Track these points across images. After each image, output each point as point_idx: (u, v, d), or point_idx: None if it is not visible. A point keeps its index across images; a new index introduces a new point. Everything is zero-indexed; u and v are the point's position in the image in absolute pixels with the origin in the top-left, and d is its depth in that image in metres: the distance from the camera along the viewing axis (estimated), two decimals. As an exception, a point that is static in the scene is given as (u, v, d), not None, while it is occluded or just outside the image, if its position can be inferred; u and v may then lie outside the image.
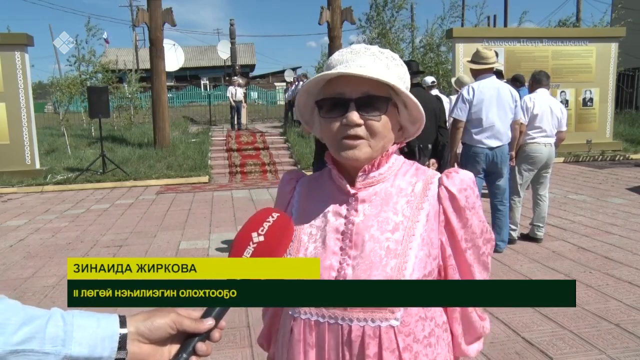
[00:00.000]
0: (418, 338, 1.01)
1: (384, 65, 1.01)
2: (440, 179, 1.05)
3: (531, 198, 5.46)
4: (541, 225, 5.30)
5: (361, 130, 0.98)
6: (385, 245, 1.00)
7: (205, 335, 0.82)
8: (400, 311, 0.98)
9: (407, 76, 1.06)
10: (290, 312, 1.07)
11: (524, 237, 5.35)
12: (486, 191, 5.15)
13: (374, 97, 0.98)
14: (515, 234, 5.24)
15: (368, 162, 1.03)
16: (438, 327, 1.06)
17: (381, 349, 0.97)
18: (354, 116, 0.97)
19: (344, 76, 0.98)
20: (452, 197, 1.02)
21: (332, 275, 1.00)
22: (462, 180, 1.03)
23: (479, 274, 1.09)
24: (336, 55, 1.04)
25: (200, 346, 0.80)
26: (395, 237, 1.00)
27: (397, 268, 0.97)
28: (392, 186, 1.06)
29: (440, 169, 4.61)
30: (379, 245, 1.00)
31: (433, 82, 7.87)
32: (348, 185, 1.05)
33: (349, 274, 0.99)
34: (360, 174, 1.04)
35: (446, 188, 1.03)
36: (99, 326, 0.76)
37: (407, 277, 0.97)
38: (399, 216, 1.02)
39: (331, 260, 1.01)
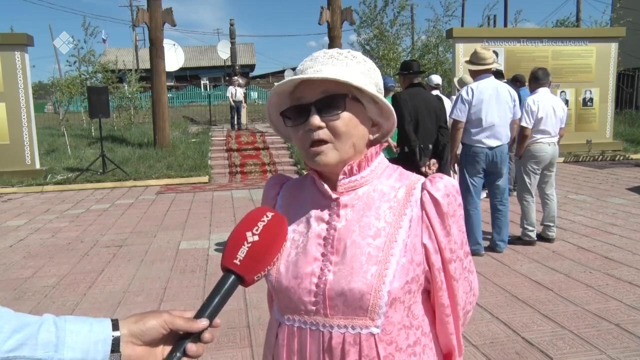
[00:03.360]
0: (401, 347, 0.99)
1: (342, 65, 1.00)
2: (423, 184, 1.03)
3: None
4: (552, 224, 5.28)
5: (324, 134, 0.97)
6: (367, 252, 0.97)
7: (197, 336, 0.81)
8: (380, 319, 0.96)
9: (374, 72, 1.05)
10: (276, 317, 1.07)
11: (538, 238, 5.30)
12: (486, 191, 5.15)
13: (332, 96, 0.97)
14: (533, 234, 5.20)
15: (341, 165, 1.01)
16: (425, 335, 1.04)
17: (361, 356, 0.96)
18: (315, 119, 0.96)
19: (304, 83, 0.99)
20: (436, 202, 1.00)
21: (313, 281, 0.99)
22: (445, 186, 1.01)
23: (463, 294, 1.06)
24: (299, 66, 1.05)
25: (190, 347, 0.80)
26: (376, 243, 0.98)
27: (378, 275, 0.95)
28: (374, 190, 1.04)
29: (441, 169, 4.61)
30: (360, 251, 0.98)
31: (437, 84, 7.57)
32: (330, 190, 1.03)
33: (330, 280, 0.97)
34: (341, 177, 1.02)
35: (429, 193, 1.01)
36: (92, 330, 0.76)
37: (388, 284, 0.95)
38: (381, 222, 1.00)
39: (312, 267, 1.00)
